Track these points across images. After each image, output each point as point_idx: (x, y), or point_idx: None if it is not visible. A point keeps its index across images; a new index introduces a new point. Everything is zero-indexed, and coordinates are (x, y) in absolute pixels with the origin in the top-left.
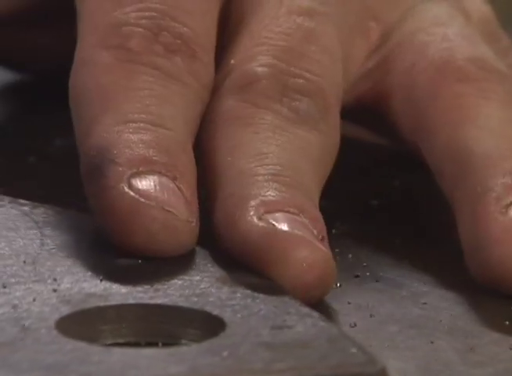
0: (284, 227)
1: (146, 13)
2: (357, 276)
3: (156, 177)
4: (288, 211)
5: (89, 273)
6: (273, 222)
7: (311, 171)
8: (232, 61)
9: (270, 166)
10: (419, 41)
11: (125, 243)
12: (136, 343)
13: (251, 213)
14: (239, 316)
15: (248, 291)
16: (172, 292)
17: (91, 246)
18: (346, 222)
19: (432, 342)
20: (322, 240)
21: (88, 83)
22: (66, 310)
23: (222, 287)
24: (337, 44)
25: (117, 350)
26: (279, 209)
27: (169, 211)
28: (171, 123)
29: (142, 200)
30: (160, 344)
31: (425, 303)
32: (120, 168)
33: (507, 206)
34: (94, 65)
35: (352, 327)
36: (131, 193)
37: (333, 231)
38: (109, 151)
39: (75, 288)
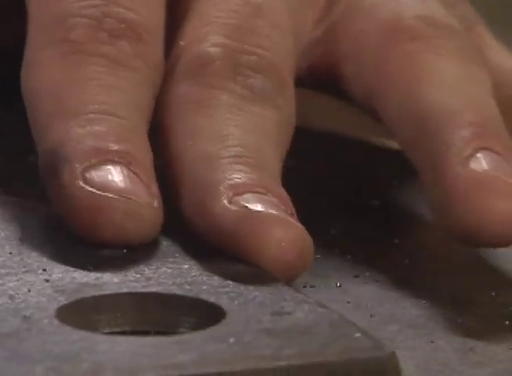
0: (258, 208)
1: (90, 2)
2: (357, 276)
3: (109, 166)
4: (256, 192)
5: (77, 263)
6: (245, 204)
7: (272, 148)
8: (182, 43)
9: (231, 148)
10: (367, 4)
11: (93, 239)
12: (134, 332)
13: (221, 198)
14: (236, 303)
15: (239, 279)
16: (164, 280)
17: (73, 237)
18: (345, 222)
19: (432, 342)
20: (291, 215)
21: (36, 83)
22: (63, 300)
23: (213, 275)
24: (286, 17)
25: (122, 339)
26: (247, 190)
27: (129, 199)
28: (121, 110)
29: (100, 192)
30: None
31: (425, 303)
32: (73, 165)
33: (467, 158)
34: (39, 64)
35: None
36: (88, 188)
37: (333, 231)
38: (61, 150)
39: (67, 278)
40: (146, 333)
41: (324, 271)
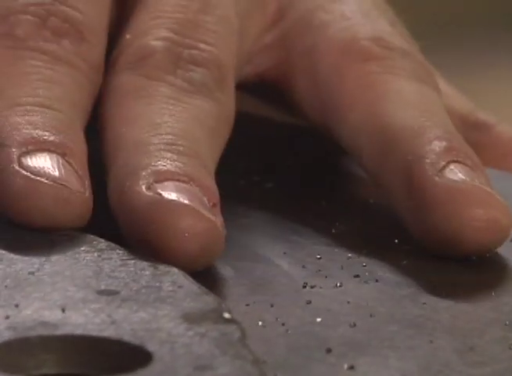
0: (170, 196)
1: (36, 0)
2: (357, 276)
3: (45, 154)
4: (178, 180)
5: (61, 302)
6: (160, 191)
7: (207, 139)
8: (128, 36)
9: (163, 136)
10: (317, 20)
11: (23, 221)
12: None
13: (140, 183)
14: (173, 354)
15: (204, 329)
16: (125, 326)
17: (87, 274)
18: (346, 222)
19: (432, 342)
20: (213, 206)
21: None
22: (6, 337)
23: (180, 324)
24: (233, 15)
25: None
26: (169, 178)
27: (61, 185)
28: (58, 104)
29: (34, 177)
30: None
31: (424, 303)
32: (9, 150)
33: (442, 169)
34: None
35: (352, 326)
36: (23, 172)
37: (333, 231)
38: None
39: (34, 315)
40: None
41: (324, 271)
